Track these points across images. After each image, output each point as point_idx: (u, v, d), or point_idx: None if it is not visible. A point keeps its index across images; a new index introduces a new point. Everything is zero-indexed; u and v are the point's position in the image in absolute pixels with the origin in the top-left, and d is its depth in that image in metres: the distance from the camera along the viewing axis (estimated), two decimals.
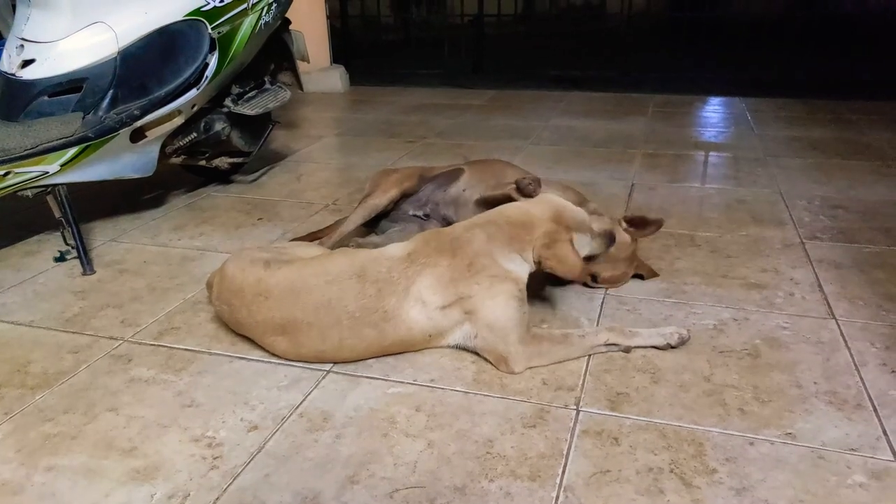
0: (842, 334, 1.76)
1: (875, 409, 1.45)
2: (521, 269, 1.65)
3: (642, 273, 2.07)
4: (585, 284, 2.00)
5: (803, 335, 1.75)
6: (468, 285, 1.58)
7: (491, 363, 1.62)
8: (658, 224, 2.03)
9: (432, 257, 1.60)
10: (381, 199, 2.20)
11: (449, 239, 1.64)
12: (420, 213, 2.24)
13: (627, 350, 1.67)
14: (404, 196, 2.24)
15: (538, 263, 1.65)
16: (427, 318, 1.59)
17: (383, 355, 1.65)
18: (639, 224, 2.02)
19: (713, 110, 4.68)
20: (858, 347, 1.69)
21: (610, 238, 1.85)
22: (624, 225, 2.01)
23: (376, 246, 1.97)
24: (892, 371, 1.59)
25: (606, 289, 2.01)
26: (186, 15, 2.44)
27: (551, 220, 1.68)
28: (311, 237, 2.33)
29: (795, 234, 2.43)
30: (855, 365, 1.62)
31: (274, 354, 1.66)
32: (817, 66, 5.36)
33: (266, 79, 3.08)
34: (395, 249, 1.65)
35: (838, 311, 1.87)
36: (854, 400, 1.49)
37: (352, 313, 1.56)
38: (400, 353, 1.65)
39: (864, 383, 1.54)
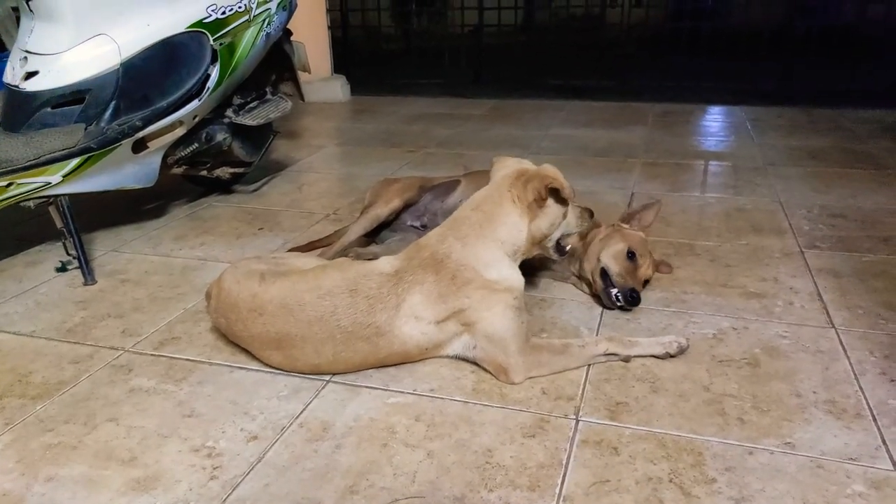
0: (841, 343, 1.76)
1: (874, 419, 1.45)
2: (507, 271, 1.62)
3: (661, 267, 2.12)
4: (631, 300, 1.91)
5: (802, 344, 1.76)
6: (458, 299, 1.57)
7: (490, 373, 1.62)
8: (656, 206, 2.08)
9: (418, 274, 1.58)
10: (383, 210, 2.21)
11: (429, 254, 1.61)
12: (417, 223, 2.25)
13: (627, 359, 1.67)
14: (406, 206, 2.25)
15: (535, 202, 1.62)
16: (421, 333, 1.59)
17: (380, 367, 1.65)
18: (635, 216, 2.06)
19: (713, 119, 4.70)
20: (858, 356, 1.69)
21: (590, 213, 1.80)
22: (625, 226, 2.04)
23: (376, 256, 1.97)
24: (892, 380, 1.59)
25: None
26: (188, 27, 2.46)
27: (516, 175, 1.67)
28: (311, 246, 2.34)
29: (795, 242, 2.43)
30: (854, 374, 1.62)
31: (271, 366, 1.67)
32: (817, 75, 5.38)
33: (267, 89, 3.09)
34: (384, 265, 1.63)
35: (837, 320, 1.88)
36: (853, 409, 1.49)
37: (345, 328, 1.56)
38: (397, 364, 1.66)
39: (863, 392, 1.54)
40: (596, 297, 1.99)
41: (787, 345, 1.75)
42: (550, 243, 1.74)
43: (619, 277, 1.90)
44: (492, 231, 1.62)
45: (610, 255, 1.93)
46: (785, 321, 1.87)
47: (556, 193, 1.64)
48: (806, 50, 5.37)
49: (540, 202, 1.63)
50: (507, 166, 1.73)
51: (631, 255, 1.93)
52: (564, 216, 1.71)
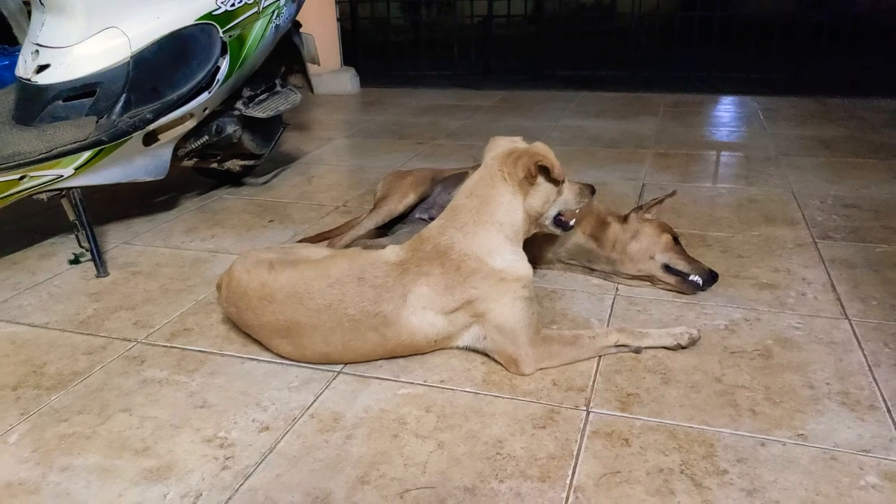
0: (854, 334, 1.74)
1: (888, 410, 1.44)
2: (511, 258, 1.61)
3: None
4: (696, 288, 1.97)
5: (815, 335, 1.74)
6: (465, 290, 1.56)
7: (501, 365, 1.62)
8: (661, 198, 2.09)
9: (423, 266, 1.57)
10: (397, 205, 2.20)
11: (431, 246, 1.60)
12: (426, 216, 2.24)
13: (638, 351, 1.67)
14: (420, 200, 2.24)
15: (525, 179, 1.59)
16: (430, 325, 1.58)
17: (390, 357, 1.65)
18: (646, 207, 2.08)
19: (724, 109, 4.66)
20: (871, 347, 1.68)
21: (591, 189, 1.77)
22: (643, 213, 2.05)
23: (384, 247, 1.97)
24: None
25: (617, 286, 2.01)
26: (198, 19, 2.46)
27: (507, 153, 1.65)
28: (320, 237, 2.35)
29: (808, 233, 2.41)
30: (868, 365, 1.61)
31: (281, 356, 1.68)
32: (829, 64, 5.32)
33: (277, 81, 3.10)
34: (390, 254, 1.63)
35: (851, 310, 1.86)
36: (867, 401, 1.47)
37: (352, 316, 1.56)
38: (407, 355, 1.66)
39: (877, 384, 1.53)
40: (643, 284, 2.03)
41: (799, 336, 1.74)
42: (548, 220, 1.72)
43: (688, 266, 1.96)
44: (489, 215, 1.60)
45: (664, 250, 1.97)
46: (798, 312, 1.86)
47: (546, 172, 1.62)
48: (819, 39, 5.31)
49: (530, 179, 1.61)
50: (498, 146, 1.71)
51: (676, 240, 1.99)
52: (559, 193, 1.69)
